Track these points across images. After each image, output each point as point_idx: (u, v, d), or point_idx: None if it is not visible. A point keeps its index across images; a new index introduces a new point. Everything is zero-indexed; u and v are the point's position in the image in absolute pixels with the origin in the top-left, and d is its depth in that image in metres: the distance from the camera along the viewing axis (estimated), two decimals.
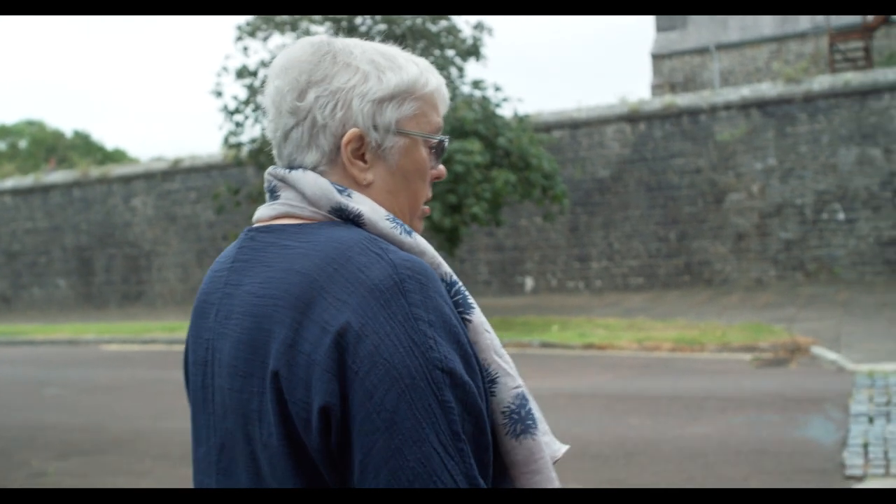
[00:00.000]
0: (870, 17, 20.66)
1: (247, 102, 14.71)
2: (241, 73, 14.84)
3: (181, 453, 6.64)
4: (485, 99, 14.76)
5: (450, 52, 15.23)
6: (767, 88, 17.94)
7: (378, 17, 14.74)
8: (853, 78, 17.27)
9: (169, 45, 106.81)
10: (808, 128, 17.39)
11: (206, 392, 1.16)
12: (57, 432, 7.69)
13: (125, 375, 11.29)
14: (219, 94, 14.78)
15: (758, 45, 26.76)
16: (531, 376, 9.41)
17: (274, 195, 1.19)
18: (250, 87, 14.91)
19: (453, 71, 15.26)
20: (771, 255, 17.71)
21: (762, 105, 17.73)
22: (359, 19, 14.53)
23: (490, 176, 13.15)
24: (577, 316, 15.08)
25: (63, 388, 10.37)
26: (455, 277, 1.16)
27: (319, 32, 14.97)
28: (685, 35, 28.62)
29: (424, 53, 14.87)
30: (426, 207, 1.26)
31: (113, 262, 24.36)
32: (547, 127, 19.43)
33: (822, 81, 17.50)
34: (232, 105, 14.68)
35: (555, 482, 1.15)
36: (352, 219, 1.13)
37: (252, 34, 14.61)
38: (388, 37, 15.07)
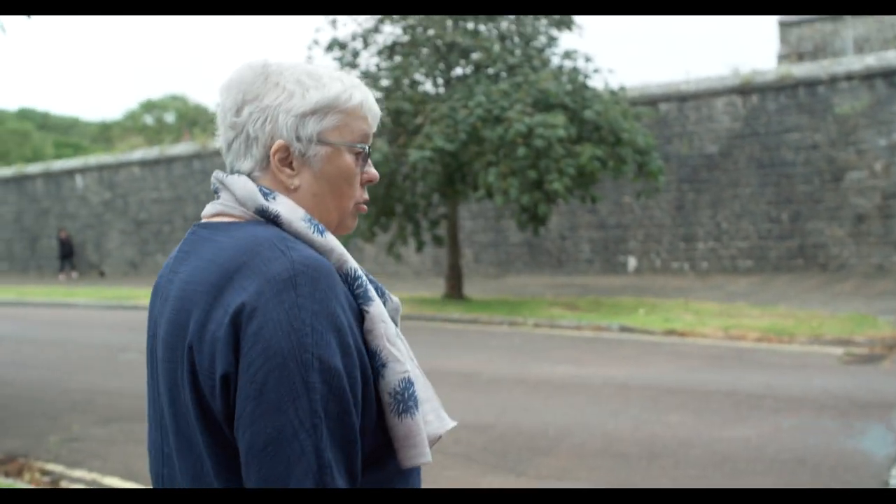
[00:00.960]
0: None
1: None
2: (332, 45, 14.82)
3: None
4: (574, 70, 14.18)
5: (541, 22, 14.69)
6: (894, 56, 16.48)
7: None
8: None
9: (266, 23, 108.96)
10: None
11: (153, 361, 1.34)
12: (110, 398, 7.90)
13: None
14: None
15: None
16: (592, 362, 8.99)
17: (216, 195, 1.37)
18: (341, 60, 14.87)
19: (542, 40, 14.71)
20: (894, 239, 16.35)
21: (888, 75, 16.32)
22: None
23: (575, 151, 12.61)
24: (675, 298, 14.43)
25: (141, 353, 10.70)
26: (360, 272, 1.31)
27: None
28: None
29: (514, 23, 14.43)
30: (362, 206, 1.40)
31: None
32: (653, 100, 18.60)
33: None
34: None
35: (427, 457, 1.29)
36: (271, 219, 1.29)
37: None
38: None
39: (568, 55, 14.49)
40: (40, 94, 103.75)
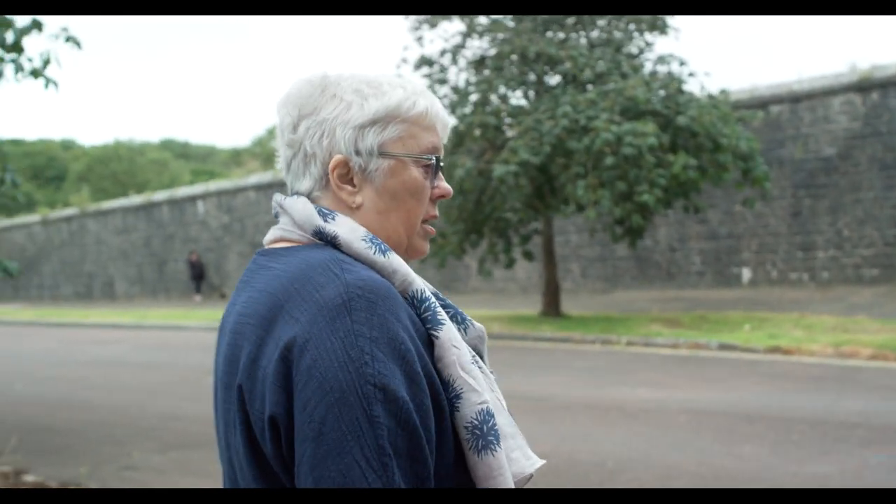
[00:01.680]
0: None
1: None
2: (420, 63, 14.71)
3: None
4: (669, 75, 13.52)
5: (631, 27, 14.11)
6: None
7: None
8: None
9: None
10: None
11: (216, 402, 1.24)
12: (181, 423, 7.93)
13: None
14: None
15: None
16: (675, 385, 8.40)
17: (277, 220, 1.28)
18: (430, 77, 14.73)
19: (635, 46, 14.12)
20: None
21: None
22: None
23: (667, 160, 11.97)
24: (789, 312, 13.48)
25: None
26: (428, 294, 1.19)
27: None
28: None
29: (604, 31, 13.92)
30: (428, 227, 1.28)
31: None
32: (763, 102, 17.58)
33: None
34: None
35: None
36: (329, 241, 1.19)
37: (426, 24, 14.42)
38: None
39: (662, 60, 13.85)
40: (181, 124, 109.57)
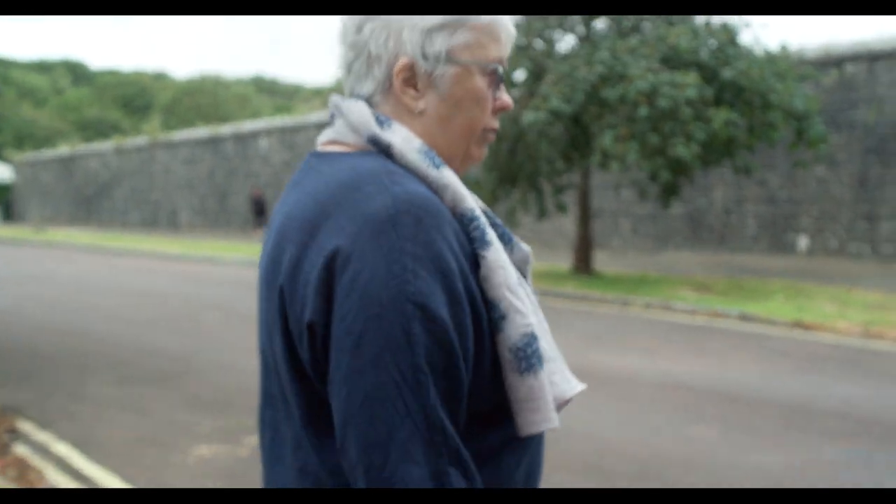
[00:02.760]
0: None
1: None
2: None
3: (211, 399, 6.35)
4: (723, 25, 12.58)
5: None
6: None
7: None
8: None
9: None
10: None
11: (260, 306, 1.23)
12: (153, 359, 7.82)
13: None
14: None
15: None
16: (667, 355, 7.86)
17: (331, 122, 1.25)
18: None
19: None
20: None
21: None
22: None
23: (707, 114, 11.17)
24: (838, 286, 12.62)
25: (228, 313, 10.70)
26: (477, 213, 1.15)
27: None
28: None
29: None
30: (488, 135, 1.26)
31: None
32: (839, 60, 16.36)
33: None
34: None
35: (553, 422, 1.14)
36: (383, 149, 1.17)
37: None
38: None
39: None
40: (272, 62, 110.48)
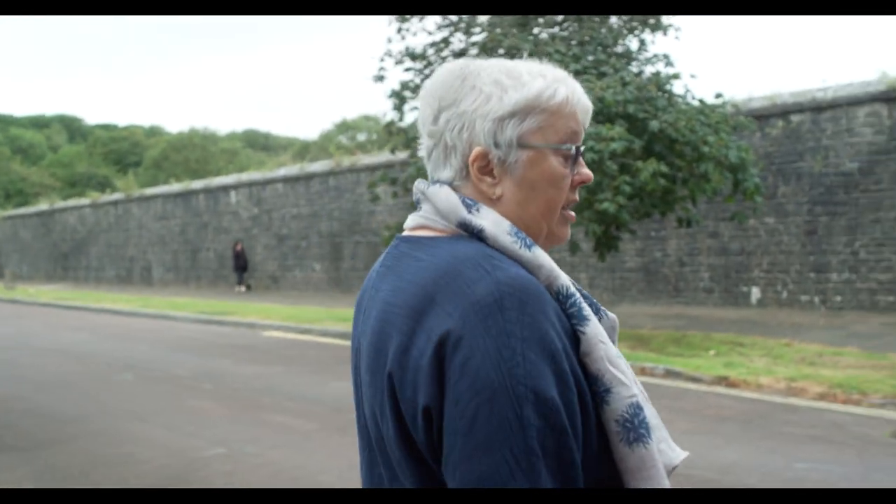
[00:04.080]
0: None
1: (414, 88, 13.97)
2: (402, 57, 14.09)
3: (63, 472, 6.11)
4: (656, 76, 12.60)
5: (614, 21, 13.22)
6: None
7: None
8: None
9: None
10: None
11: (356, 380, 1.29)
12: (37, 421, 7.59)
13: (210, 367, 11.17)
14: (381, 78, 14.21)
15: None
16: None
17: (417, 207, 1.31)
18: (421, 71, 14.13)
19: (630, 44, 13.24)
20: None
21: None
22: None
23: (634, 167, 11.11)
24: (782, 338, 12.45)
25: (143, 374, 10.47)
26: (573, 290, 1.20)
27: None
28: None
29: (587, 27, 13.06)
30: (569, 213, 1.30)
31: (358, 248, 25.14)
32: (784, 110, 16.41)
33: None
34: (399, 89, 13.99)
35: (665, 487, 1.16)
36: (475, 233, 1.22)
37: (404, 17, 13.82)
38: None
39: (648, 60, 12.95)
40: (265, 116, 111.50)
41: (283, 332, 15.56)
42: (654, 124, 11.37)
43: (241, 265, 28.08)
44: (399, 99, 14.04)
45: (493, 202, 1.25)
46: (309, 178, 26.92)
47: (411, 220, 1.30)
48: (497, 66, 1.27)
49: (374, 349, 1.19)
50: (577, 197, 1.31)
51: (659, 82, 12.27)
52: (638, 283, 18.80)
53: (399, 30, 14.07)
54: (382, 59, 14.33)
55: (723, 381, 9.44)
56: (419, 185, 1.30)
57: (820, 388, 8.78)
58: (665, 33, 13.50)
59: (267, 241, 28.38)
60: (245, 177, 29.95)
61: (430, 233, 1.26)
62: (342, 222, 25.59)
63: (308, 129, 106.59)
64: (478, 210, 1.22)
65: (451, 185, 1.26)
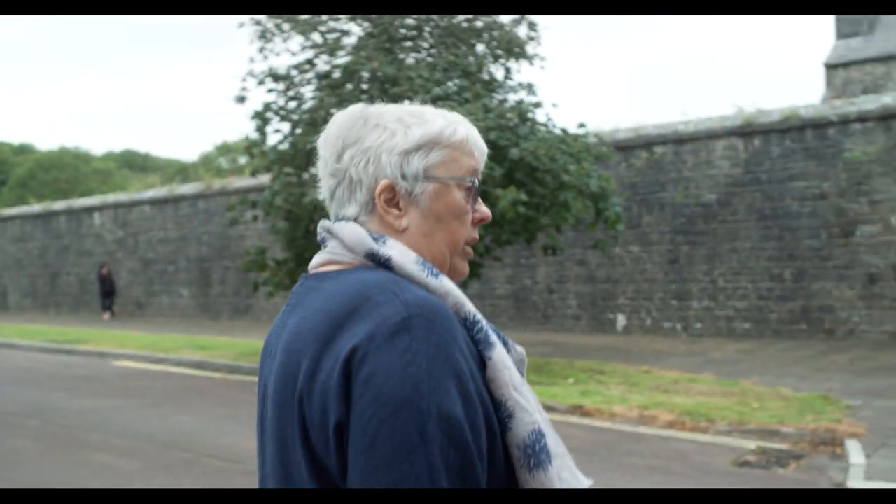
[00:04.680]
0: None
1: (277, 110, 13.51)
2: (264, 79, 13.63)
3: None
4: (520, 103, 12.60)
5: (480, 49, 13.21)
6: None
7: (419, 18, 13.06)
8: None
9: None
10: None
11: (262, 425, 1.24)
12: None
13: (43, 401, 10.36)
14: (242, 99, 13.71)
15: None
16: None
17: (323, 245, 1.30)
18: (285, 94, 13.68)
19: (496, 72, 13.22)
20: None
21: None
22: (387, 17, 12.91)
23: (494, 195, 11.00)
24: (643, 365, 12.54)
25: None
26: (479, 317, 1.21)
27: (346, 30, 13.57)
28: (869, 41, 24.37)
29: (453, 53, 12.98)
30: (468, 249, 1.32)
31: (227, 274, 24.31)
32: (648, 142, 16.79)
33: None
34: (261, 110, 13.50)
35: None
36: (382, 263, 1.22)
37: (266, 36, 13.41)
38: (416, 31, 13.39)
39: (512, 89, 12.96)
40: (144, 137, 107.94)
41: (135, 361, 14.72)
42: (514, 152, 11.31)
43: (108, 290, 26.57)
44: (262, 120, 13.57)
45: (399, 234, 1.26)
46: (178, 200, 25.93)
47: (317, 258, 1.29)
48: (397, 107, 1.31)
49: (282, 382, 1.16)
50: (476, 235, 1.32)
51: (521, 110, 12.25)
52: (508, 310, 18.80)
53: (261, 49, 13.62)
54: (244, 80, 13.83)
55: (577, 410, 9.36)
56: (323, 223, 1.30)
57: (670, 415, 8.79)
58: (531, 63, 13.55)
59: (132, 266, 27.14)
60: (111, 198, 28.62)
61: (338, 267, 1.25)
62: (211, 247, 24.72)
63: (189, 150, 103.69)
64: (384, 242, 1.23)
65: (356, 220, 1.27)
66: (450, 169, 1.27)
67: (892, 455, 7.04)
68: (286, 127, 13.64)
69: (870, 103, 14.61)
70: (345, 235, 1.25)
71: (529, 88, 12.89)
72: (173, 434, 8.12)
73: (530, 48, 13.46)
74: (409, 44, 13.49)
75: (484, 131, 11.29)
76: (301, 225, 12.60)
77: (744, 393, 10.14)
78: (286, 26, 13.44)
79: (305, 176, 12.51)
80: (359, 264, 1.24)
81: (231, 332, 19.75)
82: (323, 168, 1.31)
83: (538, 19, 13.51)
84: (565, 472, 1.22)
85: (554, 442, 1.22)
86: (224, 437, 7.95)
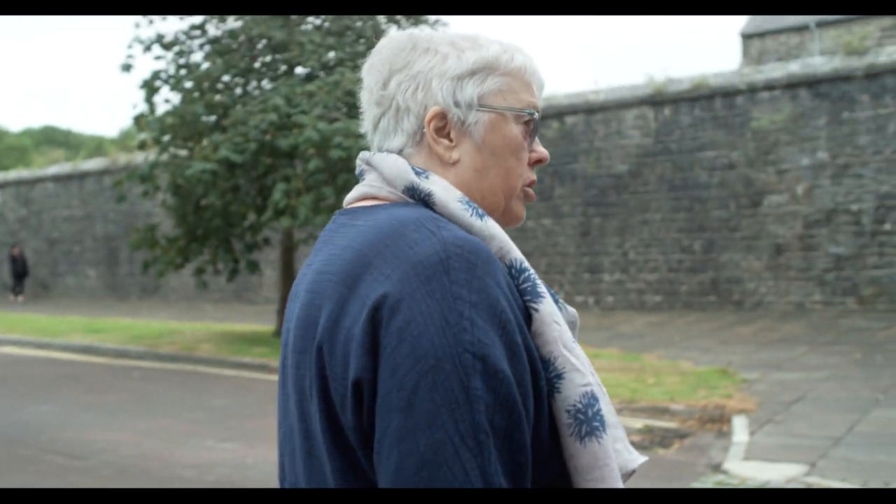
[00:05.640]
0: None
1: (167, 79, 12.74)
2: (150, 44, 12.83)
3: None
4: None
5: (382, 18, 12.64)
6: (821, 63, 14.18)
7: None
8: None
9: None
10: (871, 113, 13.54)
11: (284, 373, 1.14)
12: None
13: None
14: (128, 67, 12.91)
15: (868, 20, 22.24)
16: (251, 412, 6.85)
17: (361, 178, 1.20)
18: (175, 62, 12.91)
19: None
20: (816, 275, 13.98)
21: (813, 84, 14.01)
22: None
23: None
24: None
25: None
26: (527, 265, 1.10)
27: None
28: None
29: (345, 17, 12.38)
30: (529, 191, 1.21)
31: (135, 253, 23.30)
32: (559, 112, 16.44)
33: (890, 53, 13.58)
34: (149, 78, 12.71)
35: None
36: (423, 199, 1.11)
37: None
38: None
39: None
40: (67, 113, 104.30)
41: (19, 347, 13.89)
42: None
43: (20, 271, 25.09)
44: (150, 90, 12.80)
45: (449, 168, 1.14)
46: (82, 177, 24.81)
47: (354, 191, 1.18)
48: (451, 31, 1.21)
49: (303, 325, 1.05)
50: (534, 176, 1.21)
51: None
52: None
53: (150, 20, 12.80)
54: (130, 46, 13.01)
55: None
56: (363, 154, 1.19)
57: None
58: (433, 28, 13.00)
59: (37, 246, 25.95)
60: (12, 175, 27.29)
61: (374, 202, 1.14)
62: (119, 225, 23.71)
63: (112, 126, 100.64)
64: (427, 176, 1.12)
65: (400, 152, 1.15)
66: (507, 99, 1.16)
67: (776, 431, 6.81)
68: (177, 97, 12.89)
69: (776, 71, 14.46)
70: (385, 167, 1.13)
71: None
72: (23, 427, 7.50)
73: (432, 17, 12.94)
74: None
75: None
76: (191, 200, 11.92)
77: (643, 368, 9.89)
78: None
79: (195, 148, 11.82)
80: (397, 199, 1.13)
81: (138, 313, 18.97)
82: (367, 98, 1.18)
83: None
84: (619, 444, 1.11)
85: (608, 409, 1.10)
86: (76, 430, 7.36)
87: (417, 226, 1.02)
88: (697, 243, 15.03)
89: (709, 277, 14.96)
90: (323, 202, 10.37)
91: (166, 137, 12.24)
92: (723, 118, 14.80)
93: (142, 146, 13.04)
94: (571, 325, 1.17)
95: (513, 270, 1.07)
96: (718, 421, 7.45)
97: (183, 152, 12.25)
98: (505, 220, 1.19)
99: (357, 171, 1.21)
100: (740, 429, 6.97)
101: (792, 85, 14.17)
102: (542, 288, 1.08)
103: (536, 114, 1.18)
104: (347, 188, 10.30)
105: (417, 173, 1.12)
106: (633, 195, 15.69)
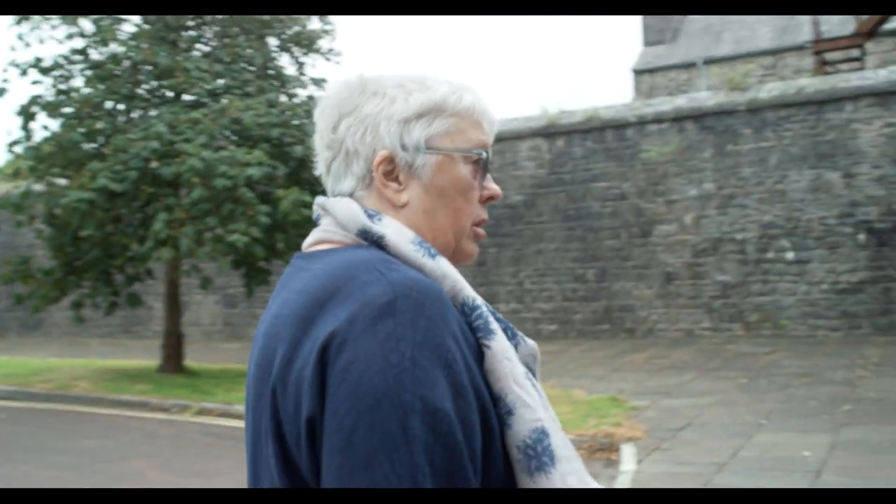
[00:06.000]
0: (863, 18, 17.08)
1: (45, 105, 12.13)
2: (34, 68, 12.21)
3: None
4: (310, 99, 11.90)
5: (272, 42, 12.43)
6: (706, 97, 14.65)
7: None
8: (808, 84, 13.87)
9: None
10: (753, 145, 14.02)
11: (247, 417, 1.13)
12: None
13: None
14: (1, 92, 12.25)
15: (751, 58, 23.21)
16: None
17: (317, 223, 1.21)
18: (54, 87, 12.31)
19: (289, 66, 12.46)
20: (704, 302, 14.32)
21: (699, 117, 14.44)
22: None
23: (276, 195, 10.22)
24: None
25: None
26: (479, 302, 1.11)
27: (122, 17, 12.39)
28: (673, 49, 25.28)
29: (233, 44, 12.10)
30: (478, 230, 1.22)
31: (12, 287, 22.16)
32: None
33: (770, 89, 14.13)
34: (27, 104, 12.08)
35: None
36: (375, 241, 1.12)
37: (27, 22, 12.05)
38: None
39: (303, 84, 12.25)
40: None
41: None
42: (299, 150, 10.59)
43: None
44: (27, 116, 12.16)
45: (398, 210, 1.15)
46: None
47: (311, 236, 1.19)
48: (400, 73, 1.20)
49: (260, 369, 1.06)
50: (485, 215, 1.22)
51: (310, 107, 11.55)
52: None
53: (20, 36, 12.21)
54: (5, 70, 12.36)
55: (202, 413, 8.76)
56: (319, 200, 1.20)
57: None
58: (327, 58, 12.87)
59: None
60: None
61: (328, 246, 1.15)
62: None
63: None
64: (380, 219, 1.12)
65: (351, 195, 1.17)
66: (455, 140, 1.16)
67: (663, 459, 6.82)
68: (56, 124, 12.28)
69: (665, 105, 14.86)
70: (338, 212, 1.15)
71: (320, 84, 12.20)
72: None
73: (325, 43, 12.80)
74: (191, 34, 12.48)
75: (267, 128, 10.53)
76: (68, 231, 11.33)
77: None
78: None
79: (73, 176, 11.26)
80: (351, 243, 1.14)
81: (16, 350, 17.94)
82: (319, 141, 1.20)
83: (335, 18, 12.88)
84: (571, 478, 1.09)
85: (561, 443, 1.09)
86: None
87: (368, 268, 1.03)
88: (591, 272, 15.21)
89: (602, 306, 15.14)
90: (207, 232, 10.00)
91: (42, 166, 11.64)
92: (614, 150, 15.09)
93: (15, 174, 12.36)
94: (531, 358, 1.18)
95: (465, 308, 1.08)
96: (607, 449, 7.43)
97: (61, 181, 11.67)
98: (456, 258, 1.19)
99: (314, 216, 1.21)
100: (628, 457, 6.96)
101: (679, 118, 14.58)
102: (494, 325, 1.09)
103: (485, 153, 1.19)
104: (232, 218, 9.96)
105: (370, 216, 1.13)
106: (528, 225, 15.80)
